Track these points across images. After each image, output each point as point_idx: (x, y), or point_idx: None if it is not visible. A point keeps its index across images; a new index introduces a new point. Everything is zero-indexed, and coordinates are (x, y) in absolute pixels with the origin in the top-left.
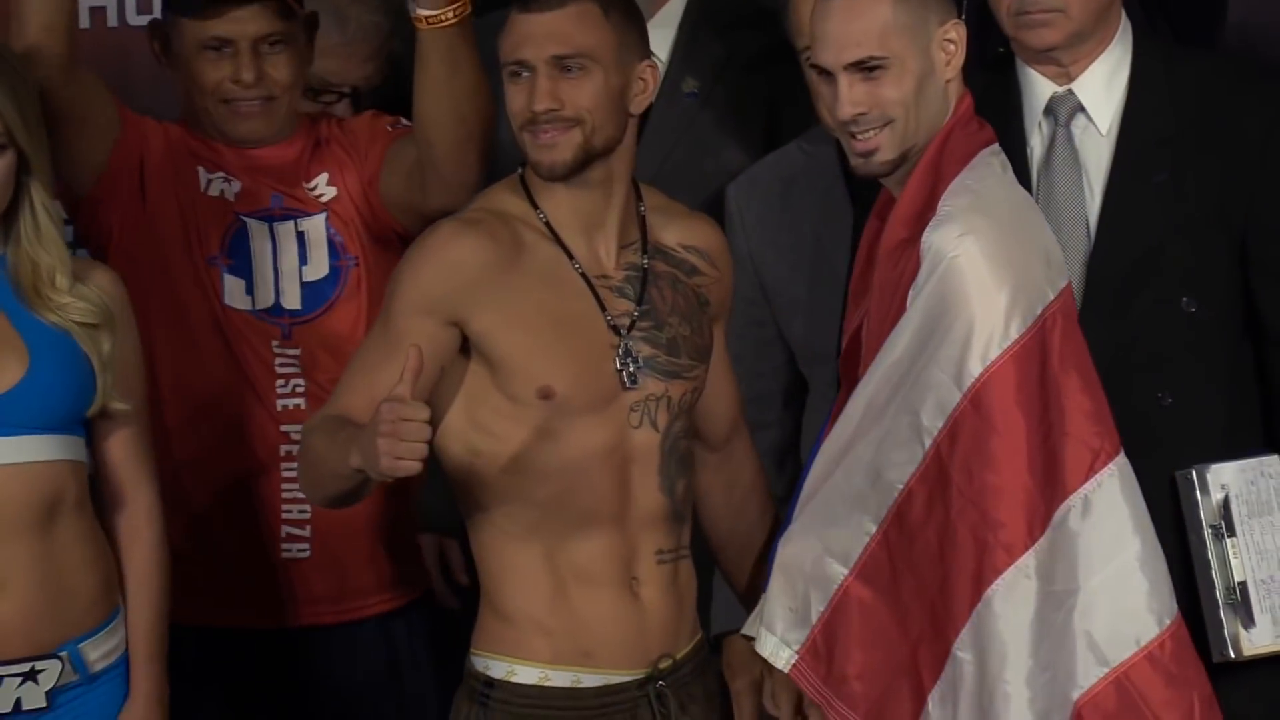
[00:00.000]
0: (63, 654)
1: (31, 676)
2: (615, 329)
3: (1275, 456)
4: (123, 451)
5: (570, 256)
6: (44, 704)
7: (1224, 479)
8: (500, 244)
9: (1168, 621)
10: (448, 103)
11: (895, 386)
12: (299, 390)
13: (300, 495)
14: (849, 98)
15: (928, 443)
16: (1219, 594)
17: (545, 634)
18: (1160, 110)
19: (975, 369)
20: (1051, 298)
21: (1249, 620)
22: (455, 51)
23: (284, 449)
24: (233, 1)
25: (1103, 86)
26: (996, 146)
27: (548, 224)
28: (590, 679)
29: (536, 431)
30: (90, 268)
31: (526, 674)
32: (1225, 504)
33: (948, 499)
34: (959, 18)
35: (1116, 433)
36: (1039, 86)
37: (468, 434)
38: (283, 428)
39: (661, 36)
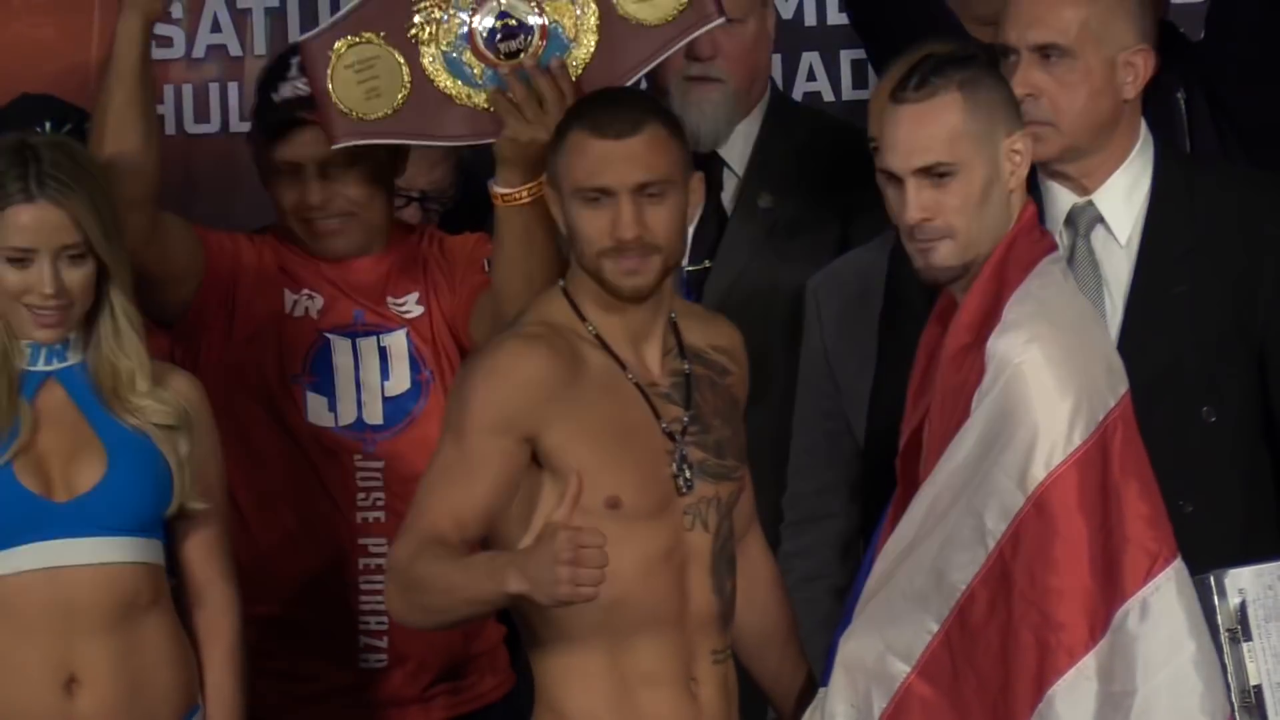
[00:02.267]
0: None
1: None
2: (670, 435)
3: None
4: (202, 551)
5: (623, 367)
6: None
7: (1241, 584)
8: (562, 358)
9: None
10: (522, 272)
11: (959, 490)
12: (379, 504)
13: (380, 607)
14: (916, 202)
15: (991, 545)
16: (1234, 696)
17: None
18: (1180, 222)
19: (1039, 474)
20: (1113, 405)
21: None
22: (530, 228)
23: (363, 562)
24: (297, 126)
25: (1122, 198)
26: (1058, 254)
27: (598, 336)
28: None
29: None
30: (168, 372)
31: None
32: (1242, 608)
33: (1010, 600)
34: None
35: (1173, 538)
36: (1060, 197)
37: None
38: (361, 541)
39: (738, 153)
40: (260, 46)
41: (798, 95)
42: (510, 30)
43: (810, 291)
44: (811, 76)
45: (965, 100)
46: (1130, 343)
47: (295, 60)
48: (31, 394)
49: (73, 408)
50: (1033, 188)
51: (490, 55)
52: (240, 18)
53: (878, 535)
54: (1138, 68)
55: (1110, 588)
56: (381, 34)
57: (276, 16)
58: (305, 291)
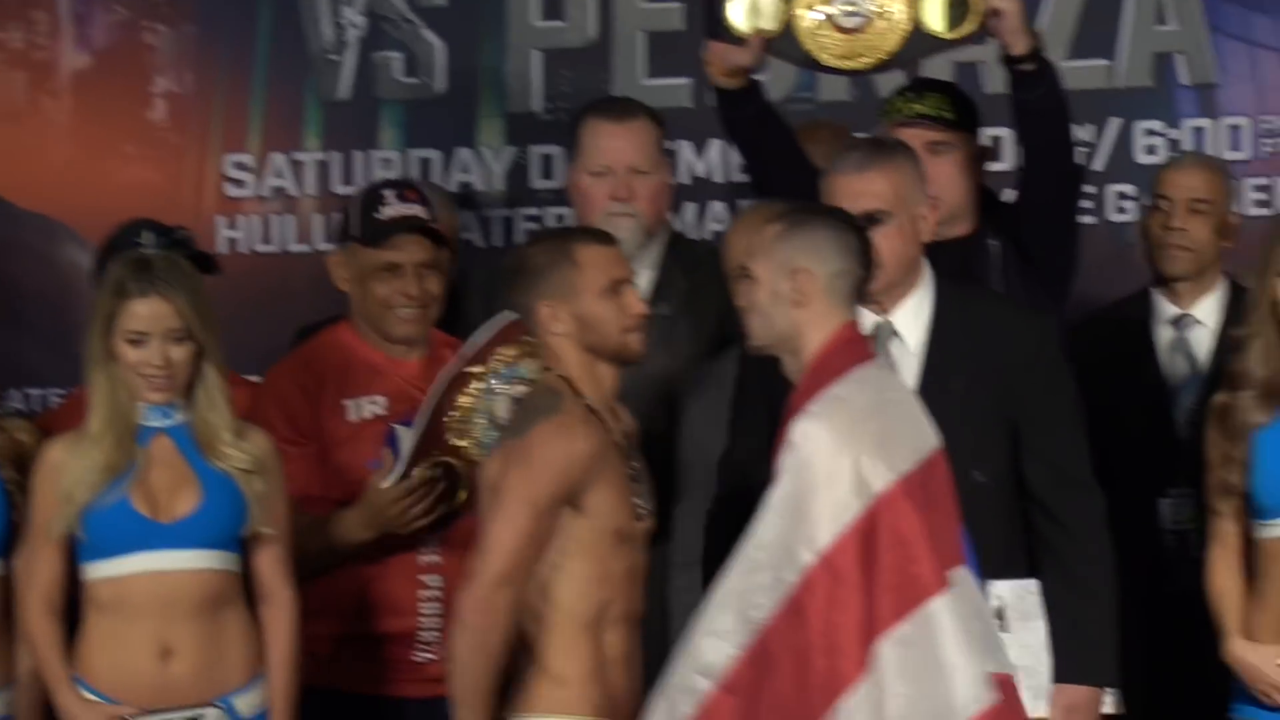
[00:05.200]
0: (220, 705)
1: None
2: (634, 479)
3: (1036, 581)
4: (268, 563)
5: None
6: None
7: (1001, 592)
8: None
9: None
10: None
11: (755, 553)
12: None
13: (434, 625)
14: (737, 293)
15: (785, 591)
16: None
17: (590, 695)
18: (955, 334)
19: (825, 539)
20: (879, 489)
21: None
22: None
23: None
24: (399, 234)
25: (912, 317)
26: (873, 362)
27: (592, 408)
28: None
29: (601, 558)
30: (248, 429)
31: None
32: (1001, 610)
33: (806, 633)
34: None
35: (933, 582)
36: (865, 316)
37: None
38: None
39: (643, 276)
40: (311, 187)
41: (706, 233)
42: None
43: (683, 398)
44: (718, 220)
45: (779, 234)
46: None
47: (388, 191)
48: (146, 442)
49: (177, 454)
50: None
51: None
52: (296, 165)
53: None
54: (929, 220)
55: (876, 624)
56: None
57: (320, 166)
58: (365, 398)
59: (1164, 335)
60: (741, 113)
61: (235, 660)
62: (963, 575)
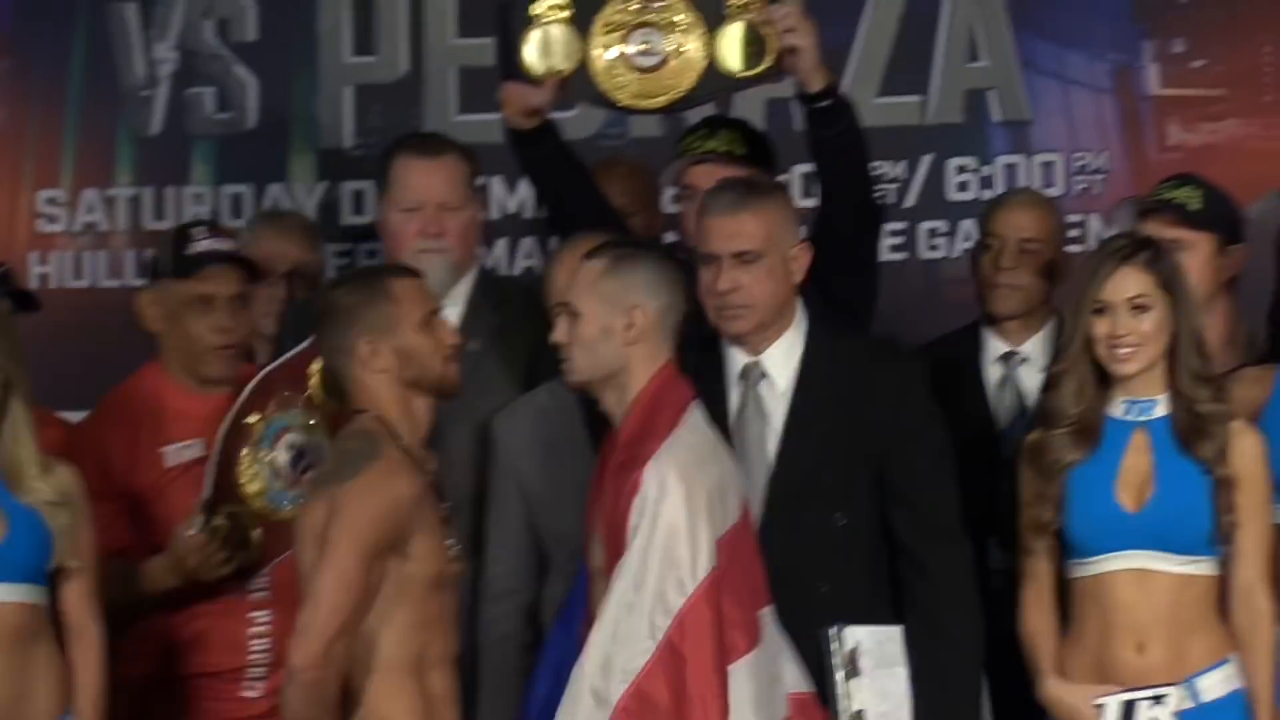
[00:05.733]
0: None
1: None
2: (445, 521)
3: (899, 628)
4: (75, 597)
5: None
6: None
7: (858, 637)
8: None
9: None
10: None
11: (628, 607)
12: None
13: (261, 660)
14: (556, 328)
15: (660, 637)
16: (844, 718)
17: None
18: (823, 377)
19: (690, 585)
20: (724, 532)
21: None
22: None
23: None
24: (212, 265)
25: (782, 359)
26: (698, 401)
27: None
28: None
29: (421, 602)
30: (55, 462)
31: None
32: (855, 654)
33: (685, 677)
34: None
35: (755, 632)
36: (736, 356)
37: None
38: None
39: (453, 311)
40: (123, 223)
41: (518, 269)
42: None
43: (495, 428)
44: (529, 255)
45: (606, 270)
46: (783, 465)
47: (198, 228)
48: None
49: None
50: (718, 350)
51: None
52: (109, 201)
53: (565, 614)
54: (801, 260)
55: (729, 656)
56: None
57: (132, 201)
58: (181, 443)
59: (992, 373)
60: (537, 152)
61: (41, 696)
62: (767, 617)
